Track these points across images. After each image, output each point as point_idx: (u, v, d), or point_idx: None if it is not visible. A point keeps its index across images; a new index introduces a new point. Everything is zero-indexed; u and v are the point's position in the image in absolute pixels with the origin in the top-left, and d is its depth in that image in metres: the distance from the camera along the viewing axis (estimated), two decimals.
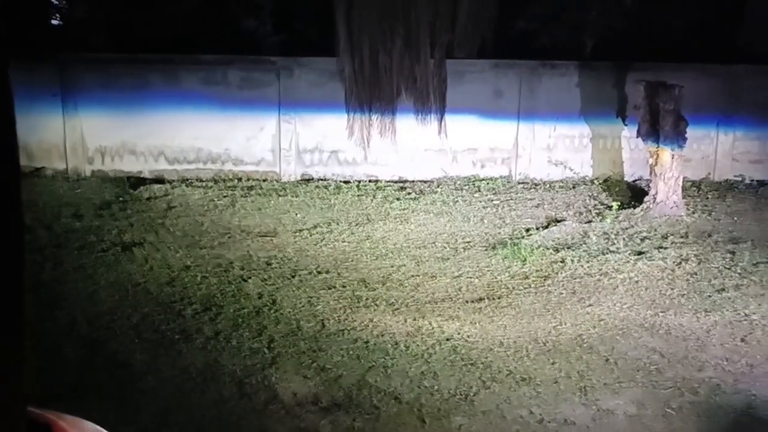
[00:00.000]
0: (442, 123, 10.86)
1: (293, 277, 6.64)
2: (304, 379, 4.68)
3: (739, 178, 11.39)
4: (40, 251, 6.91)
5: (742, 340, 5.41)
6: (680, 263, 7.06)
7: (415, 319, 5.65)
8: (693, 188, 10.56)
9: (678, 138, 8.80)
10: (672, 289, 6.42)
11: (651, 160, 9.14)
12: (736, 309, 5.96)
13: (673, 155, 8.84)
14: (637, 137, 9.36)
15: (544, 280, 6.62)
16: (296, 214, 8.78)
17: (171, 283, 6.39)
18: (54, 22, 10.74)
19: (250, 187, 9.92)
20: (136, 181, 10.01)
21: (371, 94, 10.78)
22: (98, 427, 2.01)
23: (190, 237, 7.73)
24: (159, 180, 10.11)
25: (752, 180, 11.33)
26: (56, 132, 10.18)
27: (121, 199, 9.18)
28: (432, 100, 10.82)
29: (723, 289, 6.38)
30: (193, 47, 10.62)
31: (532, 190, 10.51)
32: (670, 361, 5.00)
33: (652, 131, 8.97)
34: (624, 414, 4.30)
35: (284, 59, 10.80)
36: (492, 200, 9.82)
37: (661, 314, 5.86)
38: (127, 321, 5.58)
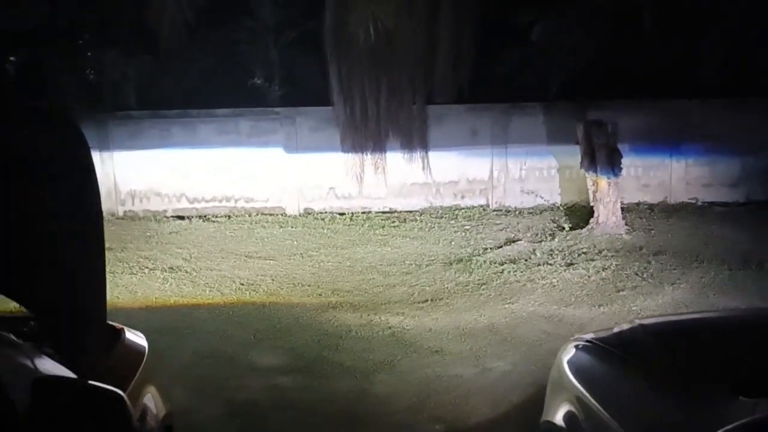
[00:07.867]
0: (426, 160, 12.62)
1: (281, 289, 8.36)
2: (277, 355, 6.37)
3: (693, 201, 12.85)
4: None
5: (615, 323, 6.91)
6: (599, 271, 8.60)
7: (368, 315, 7.31)
8: (647, 210, 12.07)
9: (613, 168, 10.38)
10: (582, 290, 7.97)
11: (593, 188, 10.73)
12: (624, 303, 7.50)
13: (609, 182, 10.42)
14: (581, 168, 10.96)
15: (480, 286, 8.23)
16: (294, 242, 10.51)
17: None
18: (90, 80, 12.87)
19: (257, 221, 11.73)
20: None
21: (363, 136, 12.61)
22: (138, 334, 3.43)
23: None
24: (180, 216, 12.04)
25: (704, 202, 12.79)
26: None
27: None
28: (415, 141, 12.62)
29: (622, 290, 7.92)
30: (207, 101, 12.54)
31: (503, 216, 12.09)
32: (553, 338, 6.55)
33: (592, 163, 10.57)
34: (500, 371, 5.90)
35: (287, 109, 12.67)
36: (464, 226, 11.44)
37: (563, 308, 7.43)
38: None
